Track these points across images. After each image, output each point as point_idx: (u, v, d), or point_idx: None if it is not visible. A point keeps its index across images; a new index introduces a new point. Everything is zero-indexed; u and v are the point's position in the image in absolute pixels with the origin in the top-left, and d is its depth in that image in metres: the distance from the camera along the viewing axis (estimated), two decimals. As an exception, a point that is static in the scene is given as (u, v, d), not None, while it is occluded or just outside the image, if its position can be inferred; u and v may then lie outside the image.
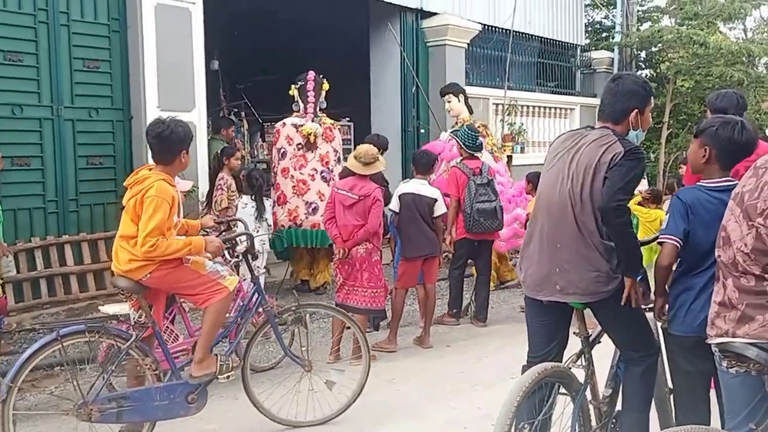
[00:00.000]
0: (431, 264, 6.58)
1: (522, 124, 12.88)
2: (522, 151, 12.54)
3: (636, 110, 3.39)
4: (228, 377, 4.31)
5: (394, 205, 6.46)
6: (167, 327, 5.26)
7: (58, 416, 4.31)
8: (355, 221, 5.93)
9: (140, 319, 4.12)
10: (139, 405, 4.04)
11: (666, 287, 3.36)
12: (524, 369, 3.48)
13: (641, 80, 3.50)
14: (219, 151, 8.51)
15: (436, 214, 6.51)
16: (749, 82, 14.33)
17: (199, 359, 4.20)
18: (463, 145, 7.30)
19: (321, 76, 8.39)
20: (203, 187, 8.13)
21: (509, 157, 10.53)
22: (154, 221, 3.88)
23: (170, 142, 4.12)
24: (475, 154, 7.29)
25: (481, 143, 7.42)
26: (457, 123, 9.44)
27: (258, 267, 7.04)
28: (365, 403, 4.88)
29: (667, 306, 3.37)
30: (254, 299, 4.68)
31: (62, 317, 7.00)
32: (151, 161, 7.41)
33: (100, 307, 5.54)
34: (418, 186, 6.51)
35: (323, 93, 8.35)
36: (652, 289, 3.56)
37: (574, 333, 3.56)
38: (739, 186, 2.80)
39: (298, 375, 4.72)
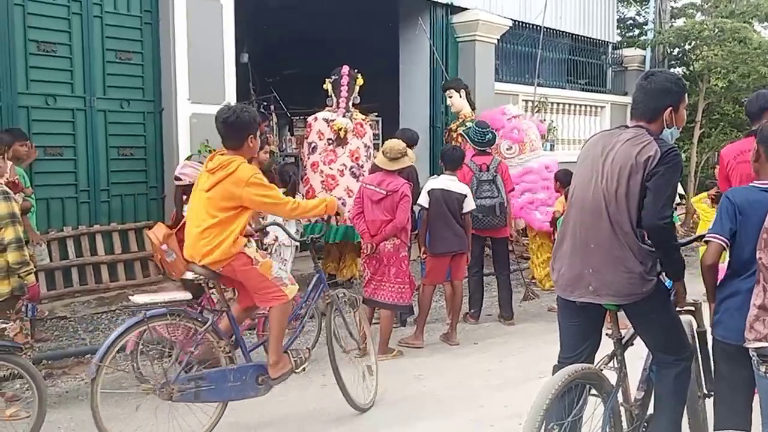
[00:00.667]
0: (459, 261, 6.55)
1: (552, 121, 12.77)
2: (552, 148, 12.43)
3: (670, 108, 3.31)
4: (303, 369, 4.56)
5: (423, 200, 6.43)
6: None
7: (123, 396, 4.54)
8: (383, 216, 5.93)
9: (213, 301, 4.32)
10: (215, 386, 4.24)
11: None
12: (555, 369, 3.46)
13: (674, 77, 3.43)
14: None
15: (464, 210, 6.47)
16: None
17: (274, 362, 4.41)
18: (471, 142, 7.30)
19: (356, 70, 8.34)
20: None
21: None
22: (273, 191, 4.28)
23: (236, 128, 4.27)
24: (487, 150, 7.28)
25: (491, 139, 7.35)
26: (459, 119, 9.34)
27: (286, 260, 7.07)
28: (392, 399, 4.89)
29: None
30: (318, 286, 4.91)
31: (93, 306, 7.08)
32: (182, 154, 7.63)
33: (130, 297, 5.55)
34: (447, 182, 6.48)
35: (357, 88, 8.30)
36: (688, 291, 3.51)
37: (606, 334, 3.52)
38: (783, 186, 2.74)
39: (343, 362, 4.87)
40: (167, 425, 4.13)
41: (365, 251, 6.07)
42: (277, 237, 6.90)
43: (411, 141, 6.86)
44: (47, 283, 6.98)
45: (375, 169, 6.38)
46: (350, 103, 8.28)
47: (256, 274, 4.28)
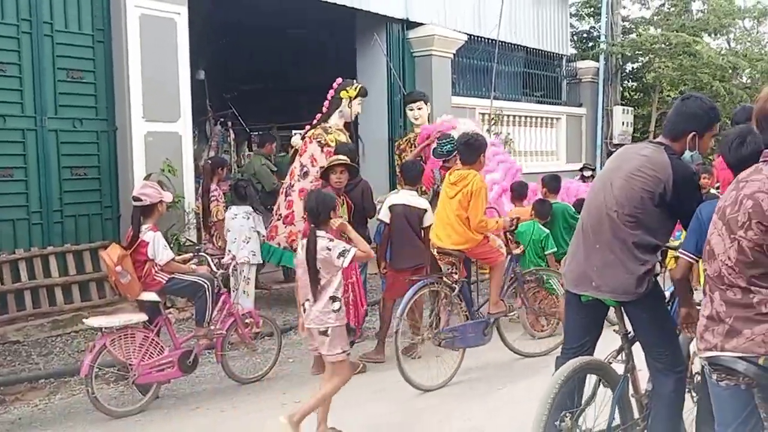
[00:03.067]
0: (419, 274, 6.53)
1: (508, 133, 12.90)
2: (509, 161, 12.54)
3: (694, 133, 3.47)
4: (511, 315, 6.46)
5: (385, 215, 6.42)
6: (153, 340, 5.23)
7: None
8: None
9: (454, 275, 5.87)
10: (461, 336, 5.75)
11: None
12: (558, 361, 3.76)
13: (708, 105, 3.53)
14: (210, 162, 8.46)
15: (425, 225, 6.47)
16: (728, 97, 14.35)
17: (495, 302, 6.01)
18: (433, 154, 7.37)
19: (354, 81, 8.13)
20: (189, 198, 8.09)
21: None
22: (482, 207, 5.80)
23: (474, 148, 5.88)
24: (449, 162, 7.21)
25: (450, 149, 7.23)
26: (412, 133, 9.14)
27: (248, 279, 7.04)
28: (352, 414, 4.84)
29: (691, 316, 3.44)
30: (511, 264, 6.37)
31: (47, 329, 6.92)
32: (137, 172, 7.55)
33: (84, 320, 5.48)
34: (408, 197, 6.47)
35: (344, 102, 7.84)
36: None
37: (614, 330, 3.74)
38: (722, 200, 2.80)
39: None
40: (436, 371, 5.62)
41: None
42: (234, 256, 6.85)
43: (349, 154, 6.73)
44: (-1, 307, 6.82)
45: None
46: (329, 119, 7.83)
47: (488, 246, 5.97)
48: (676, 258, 3.51)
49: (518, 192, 7.48)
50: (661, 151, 3.47)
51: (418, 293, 5.74)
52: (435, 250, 6.12)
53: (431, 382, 5.58)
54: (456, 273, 5.94)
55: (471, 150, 5.86)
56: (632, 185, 3.44)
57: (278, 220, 7.80)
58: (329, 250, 4.33)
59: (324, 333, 4.36)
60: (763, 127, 2.79)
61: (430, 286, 5.87)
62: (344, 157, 6.18)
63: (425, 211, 6.47)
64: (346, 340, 4.53)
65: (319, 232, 4.39)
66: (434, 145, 7.52)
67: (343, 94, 7.79)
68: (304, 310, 4.46)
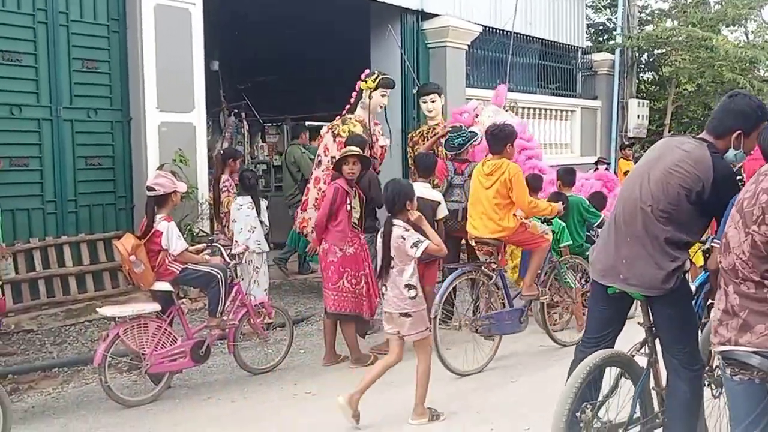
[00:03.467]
0: (431, 267, 6.52)
1: (523, 126, 12.83)
2: (523, 153, 12.48)
3: (739, 132, 3.39)
4: (543, 299, 6.27)
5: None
6: (166, 330, 5.26)
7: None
8: None
9: (492, 264, 5.99)
10: (497, 323, 5.88)
11: None
12: (577, 350, 3.80)
13: (756, 104, 3.44)
14: (222, 153, 8.46)
15: (438, 217, 6.45)
16: (752, 91, 14.24)
17: (528, 285, 6.12)
18: (443, 147, 7.33)
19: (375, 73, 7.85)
20: (203, 189, 8.11)
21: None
22: (525, 190, 5.92)
23: (499, 138, 5.96)
24: (462, 155, 7.09)
25: (461, 142, 7.18)
26: (426, 125, 9.05)
27: (257, 267, 7.04)
28: (363, 405, 4.85)
29: None
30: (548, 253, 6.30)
31: (61, 318, 6.97)
32: (151, 163, 7.57)
33: (98, 309, 5.52)
34: (422, 189, 6.43)
35: (364, 93, 7.72)
36: None
37: (638, 323, 3.72)
38: (742, 192, 2.77)
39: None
40: (470, 356, 5.77)
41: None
42: (247, 246, 6.85)
43: (361, 146, 6.70)
44: (13, 296, 6.84)
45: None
46: (355, 111, 7.73)
47: (528, 233, 5.99)
48: (704, 252, 3.53)
49: (533, 184, 7.43)
50: (703, 147, 3.39)
51: (456, 281, 5.88)
52: (473, 240, 6.22)
53: (467, 367, 5.77)
54: (494, 262, 6.05)
55: (497, 140, 5.96)
56: (669, 180, 3.38)
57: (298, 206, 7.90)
58: (403, 239, 4.54)
59: (405, 315, 4.60)
60: None
61: (468, 275, 5.98)
62: (356, 148, 6.15)
63: (438, 203, 6.45)
64: (427, 320, 4.81)
65: (396, 221, 4.61)
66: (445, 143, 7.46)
67: (362, 85, 7.72)
68: (383, 295, 4.72)
